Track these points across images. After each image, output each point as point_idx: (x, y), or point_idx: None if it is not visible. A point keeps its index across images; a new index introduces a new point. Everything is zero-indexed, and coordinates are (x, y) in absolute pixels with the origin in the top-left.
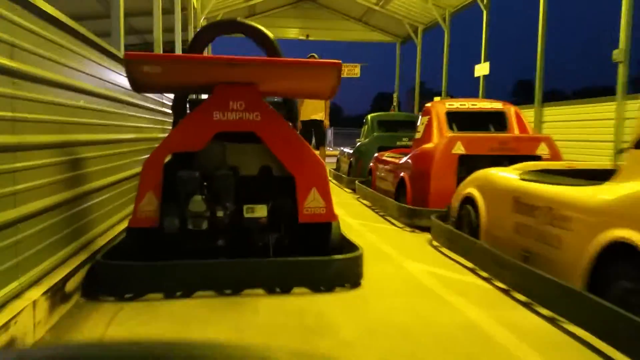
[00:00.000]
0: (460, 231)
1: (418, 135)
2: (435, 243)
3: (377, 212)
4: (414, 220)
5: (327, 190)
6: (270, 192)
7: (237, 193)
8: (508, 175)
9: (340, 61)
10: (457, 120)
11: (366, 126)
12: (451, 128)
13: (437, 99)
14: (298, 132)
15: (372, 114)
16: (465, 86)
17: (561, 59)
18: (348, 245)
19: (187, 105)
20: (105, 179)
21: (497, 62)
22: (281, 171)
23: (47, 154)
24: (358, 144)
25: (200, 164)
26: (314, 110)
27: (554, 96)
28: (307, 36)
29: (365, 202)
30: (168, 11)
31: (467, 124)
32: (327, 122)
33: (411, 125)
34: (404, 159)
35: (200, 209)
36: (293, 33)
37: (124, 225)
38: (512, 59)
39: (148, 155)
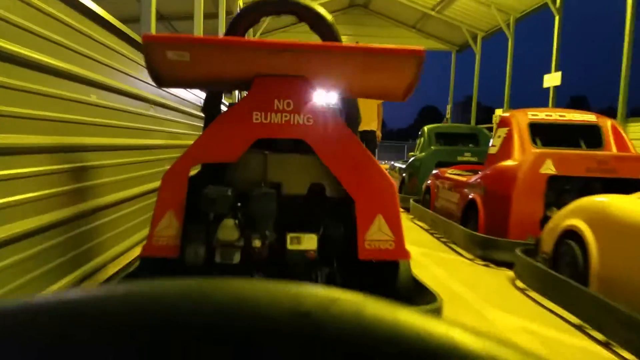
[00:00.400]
0: (557, 272)
1: (493, 151)
2: (520, 284)
3: (438, 238)
4: (488, 253)
5: (398, 219)
6: (322, 217)
7: (279, 217)
8: None
9: (424, 49)
10: (541, 133)
11: (422, 138)
12: (534, 143)
13: (498, 112)
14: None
15: (430, 126)
16: (521, 100)
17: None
18: (420, 291)
19: (222, 108)
20: (123, 191)
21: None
22: (337, 191)
23: (42, 159)
24: (412, 158)
25: (234, 179)
26: (366, 118)
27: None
28: (357, 43)
29: (421, 224)
30: (213, 15)
31: (552, 138)
32: (379, 134)
33: (473, 138)
34: (474, 178)
35: (232, 237)
36: (342, 40)
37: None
38: (564, 73)
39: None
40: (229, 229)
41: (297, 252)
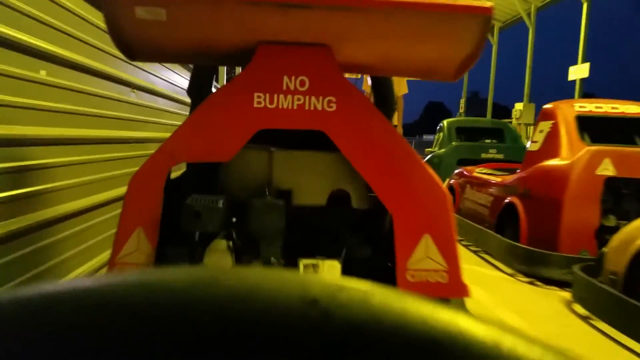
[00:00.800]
0: (632, 298)
1: (534, 147)
2: (580, 310)
3: (468, 247)
4: (534, 269)
5: (452, 242)
6: (347, 236)
7: (289, 237)
8: None
9: (492, 5)
10: (589, 128)
11: (441, 134)
12: (582, 139)
13: (518, 106)
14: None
15: (450, 120)
16: (537, 95)
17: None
18: None
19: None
20: (89, 197)
21: (551, 72)
22: (366, 201)
23: None
24: (429, 155)
25: (228, 185)
26: None
27: None
28: None
29: None
30: None
31: (602, 133)
32: (400, 129)
33: (498, 134)
34: (511, 178)
35: (224, 264)
36: None
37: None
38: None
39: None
40: (220, 254)
41: None
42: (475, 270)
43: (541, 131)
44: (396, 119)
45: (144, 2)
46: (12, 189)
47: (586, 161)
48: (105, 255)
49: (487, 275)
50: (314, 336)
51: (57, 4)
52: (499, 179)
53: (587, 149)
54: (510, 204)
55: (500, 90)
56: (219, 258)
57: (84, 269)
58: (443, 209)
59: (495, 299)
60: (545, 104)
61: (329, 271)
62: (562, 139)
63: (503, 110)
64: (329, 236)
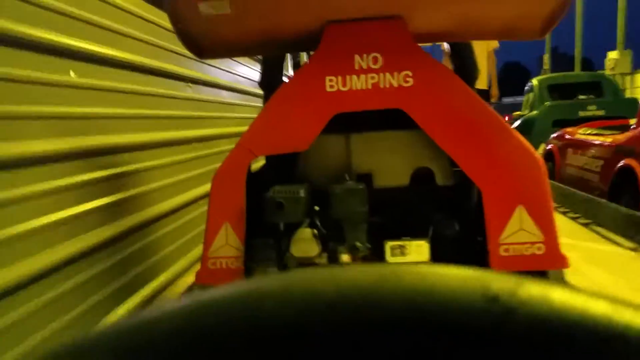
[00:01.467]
0: None
1: None
2: None
3: (575, 219)
4: None
5: (549, 211)
6: (433, 215)
7: (373, 220)
8: None
9: None
10: None
11: (532, 94)
12: None
13: (611, 54)
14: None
15: (540, 77)
16: (604, 46)
17: None
18: None
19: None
20: (173, 198)
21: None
22: (452, 177)
23: (64, 169)
24: (520, 118)
25: (309, 173)
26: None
27: None
28: None
29: None
30: None
31: None
32: (495, 92)
33: (595, 88)
34: (626, 137)
35: (311, 252)
36: None
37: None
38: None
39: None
40: (305, 242)
41: None
42: (589, 247)
43: None
44: (485, 82)
45: None
46: (111, 195)
47: None
48: (198, 250)
49: (604, 252)
50: (498, 332)
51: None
52: (609, 139)
53: None
54: (627, 167)
55: (571, 42)
56: (305, 246)
57: (181, 264)
58: (536, 176)
59: (620, 280)
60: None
61: (417, 251)
62: None
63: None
64: (414, 216)
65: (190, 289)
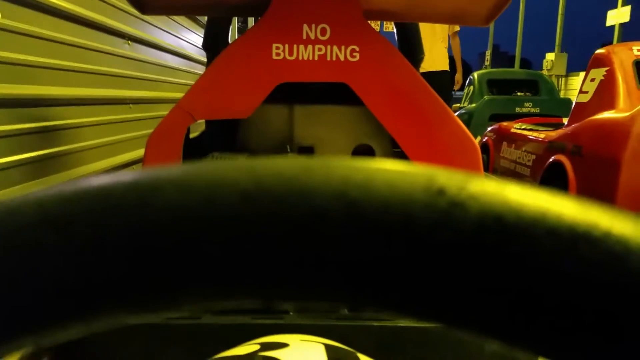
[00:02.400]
0: None
1: (584, 98)
2: None
3: None
4: None
5: None
6: None
7: None
8: None
9: None
10: None
11: (471, 87)
12: None
13: (549, 56)
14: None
15: (480, 72)
16: (543, 48)
17: None
18: None
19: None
20: (104, 160)
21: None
22: (392, 157)
23: None
24: (459, 111)
25: (249, 142)
26: (434, 53)
27: None
28: None
29: None
30: None
31: None
32: (459, 78)
33: (532, 86)
34: (557, 134)
35: None
36: None
37: None
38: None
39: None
40: None
41: None
42: None
43: (592, 80)
44: (446, 63)
45: None
46: (38, 150)
47: None
48: None
49: None
50: (445, 226)
51: None
52: (542, 135)
53: None
54: (557, 162)
55: (512, 42)
56: None
57: None
58: (473, 162)
59: None
60: (577, 54)
61: None
62: (619, 88)
63: (525, 63)
64: None
65: None
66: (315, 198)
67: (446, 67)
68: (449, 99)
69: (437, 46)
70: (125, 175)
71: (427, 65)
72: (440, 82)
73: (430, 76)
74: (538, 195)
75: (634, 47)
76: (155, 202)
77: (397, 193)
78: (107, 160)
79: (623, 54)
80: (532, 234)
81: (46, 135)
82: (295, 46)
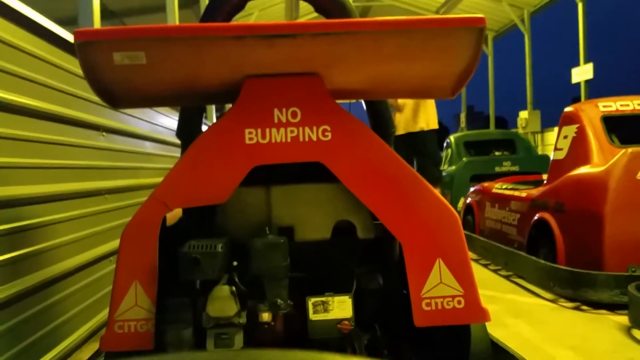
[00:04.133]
0: None
1: (559, 156)
2: None
3: (497, 272)
4: (580, 292)
5: (466, 264)
6: (355, 269)
7: (295, 275)
8: None
9: (484, 17)
10: (616, 129)
11: (449, 150)
12: (612, 141)
13: (522, 114)
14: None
15: (456, 135)
16: (517, 107)
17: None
18: None
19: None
20: (80, 255)
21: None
22: (373, 230)
23: None
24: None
25: (227, 227)
26: (413, 114)
27: None
28: None
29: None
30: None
31: (631, 134)
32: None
33: (509, 145)
34: (538, 192)
35: (228, 312)
36: None
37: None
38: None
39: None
40: (223, 301)
41: (325, 324)
42: (511, 299)
43: (565, 137)
44: (431, 122)
45: (121, 47)
46: (9, 252)
47: (624, 166)
48: (107, 312)
49: (525, 304)
50: None
51: (27, 53)
52: (523, 194)
53: (624, 152)
54: (542, 220)
55: (496, 101)
56: (222, 305)
57: (87, 327)
58: (453, 230)
59: (542, 332)
60: (550, 110)
61: (340, 307)
62: (591, 144)
63: (501, 122)
64: (336, 270)
65: (96, 355)
66: None
67: (432, 125)
68: (435, 157)
69: (431, 104)
70: None
71: (409, 124)
72: (421, 140)
73: (410, 138)
74: None
75: (599, 104)
76: None
77: None
78: (83, 254)
79: (590, 111)
80: None
81: (20, 235)
82: (267, 130)
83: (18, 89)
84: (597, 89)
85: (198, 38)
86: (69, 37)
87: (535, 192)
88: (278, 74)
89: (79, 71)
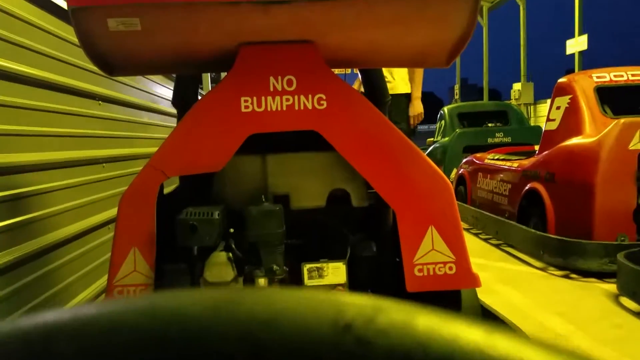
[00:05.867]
0: None
1: (552, 126)
2: (631, 305)
3: (487, 240)
4: (570, 261)
5: (458, 231)
6: (349, 236)
7: (290, 242)
8: None
9: None
10: (609, 100)
11: (442, 121)
12: (604, 112)
13: (516, 86)
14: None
15: (450, 106)
16: (511, 79)
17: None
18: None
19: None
20: (79, 222)
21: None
22: (367, 198)
23: None
24: (433, 145)
25: (223, 194)
26: (398, 78)
27: None
28: None
29: None
30: None
31: (624, 105)
32: (419, 104)
33: (501, 116)
34: (530, 162)
35: (225, 277)
36: None
37: None
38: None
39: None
40: (220, 267)
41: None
42: (502, 267)
43: (558, 107)
44: (408, 86)
45: (115, 12)
46: (8, 219)
47: (615, 136)
48: (106, 279)
49: (515, 272)
50: None
51: (19, 18)
52: (515, 164)
53: (616, 122)
54: (533, 190)
55: (490, 73)
56: (219, 271)
57: (86, 294)
58: (445, 198)
59: (531, 299)
60: (544, 82)
61: (334, 273)
62: (583, 114)
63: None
64: (331, 237)
65: None
66: (221, 341)
67: (406, 89)
68: (410, 130)
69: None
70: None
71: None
72: (399, 104)
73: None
74: (448, 326)
75: (593, 75)
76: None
77: (303, 332)
78: (81, 222)
79: (584, 82)
80: None
81: (17, 202)
82: (263, 98)
83: (13, 56)
84: (592, 61)
85: (193, 4)
86: (63, 4)
87: (526, 162)
88: (273, 41)
89: (74, 39)
